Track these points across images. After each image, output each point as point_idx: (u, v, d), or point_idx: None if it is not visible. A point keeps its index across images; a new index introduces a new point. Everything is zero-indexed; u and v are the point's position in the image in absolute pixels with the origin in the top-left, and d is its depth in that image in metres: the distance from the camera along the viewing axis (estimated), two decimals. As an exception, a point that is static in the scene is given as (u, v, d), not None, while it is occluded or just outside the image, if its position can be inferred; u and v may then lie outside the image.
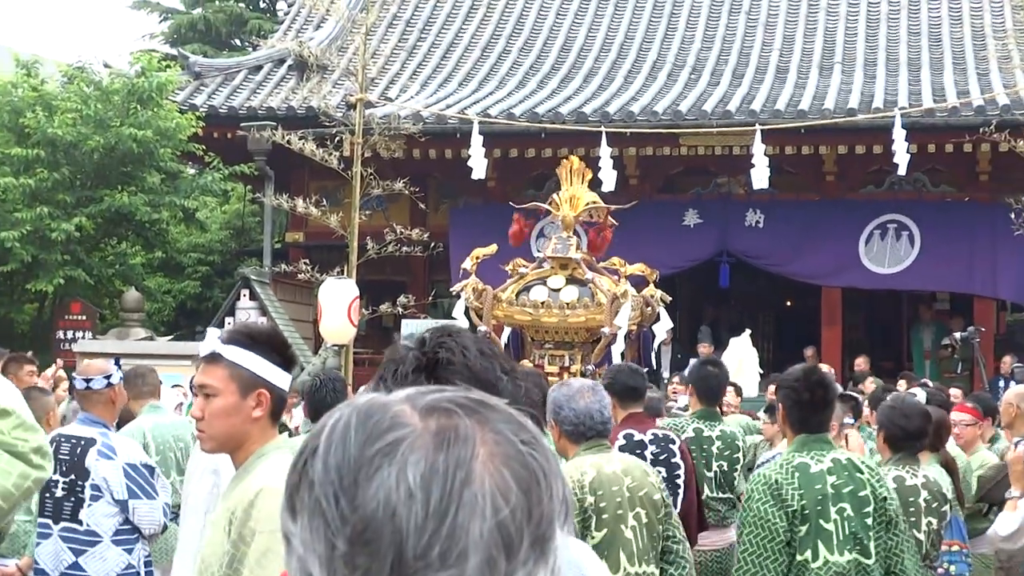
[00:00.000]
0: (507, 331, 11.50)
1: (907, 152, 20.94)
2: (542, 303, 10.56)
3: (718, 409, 9.98)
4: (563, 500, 1.41)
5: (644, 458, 7.76)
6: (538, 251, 13.66)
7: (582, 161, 12.22)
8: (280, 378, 4.69)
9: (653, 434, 8.30)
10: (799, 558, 6.28)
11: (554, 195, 11.31)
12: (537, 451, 1.41)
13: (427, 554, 1.32)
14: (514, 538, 1.34)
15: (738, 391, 14.87)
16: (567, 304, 10.50)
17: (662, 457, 8.18)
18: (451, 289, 11.47)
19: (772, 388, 13.71)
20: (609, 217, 11.44)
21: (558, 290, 10.59)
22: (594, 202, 11.21)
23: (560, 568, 1.40)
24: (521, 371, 2.75)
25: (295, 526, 1.40)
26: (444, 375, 2.48)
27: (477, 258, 11.33)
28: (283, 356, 4.72)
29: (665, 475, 7.88)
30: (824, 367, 19.16)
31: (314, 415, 8.21)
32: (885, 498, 6.45)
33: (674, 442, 8.34)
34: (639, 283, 11.25)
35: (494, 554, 1.33)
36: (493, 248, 11.65)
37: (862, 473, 6.43)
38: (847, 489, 6.35)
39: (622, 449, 7.66)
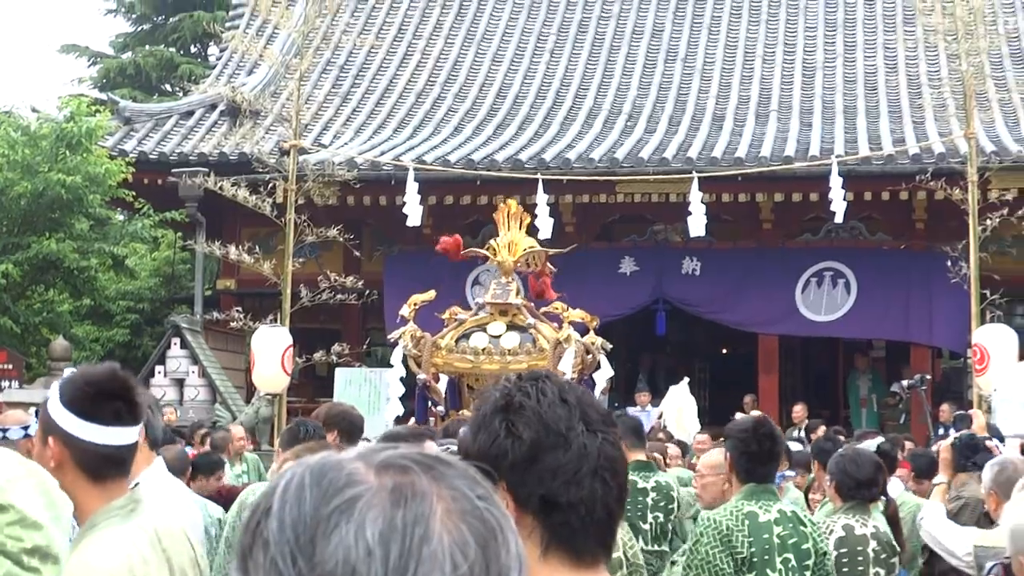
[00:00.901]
0: (444, 379, 11.42)
1: (844, 200, 21.08)
2: (482, 350, 10.45)
3: (652, 460, 9.98)
4: (517, 555, 1.42)
5: None
6: (474, 299, 13.61)
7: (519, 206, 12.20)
8: (82, 429, 4.15)
9: None
10: None
11: (492, 241, 11.21)
12: (493, 506, 1.42)
13: None
14: None
15: (683, 448, 14.81)
16: (508, 351, 10.38)
17: None
18: (389, 336, 11.28)
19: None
20: (548, 263, 11.35)
21: (498, 336, 10.49)
22: (532, 247, 11.12)
23: None
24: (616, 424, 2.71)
25: None
26: (514, 419, 2.50)
27: (415, 305, 11.21)
28: (101, 406, 4.16)
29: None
30: (759, 413, 19.34)
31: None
32: (825, 552, 6.58)
33: None
34: (580, 330, 11.10)
35: None
36: (431, 294, 11.56)
37: (805, 526, 6.53)
38: (791, 540, 6.42)
39: None
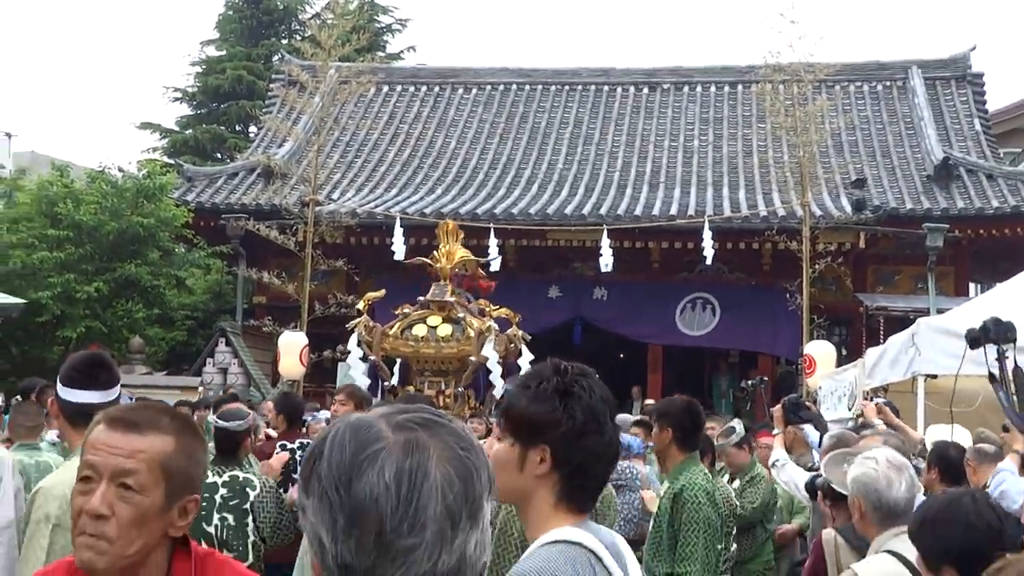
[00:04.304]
0: (398, 362, 11.13)
1: (712, 248, 21.22)
2: (422, 337, 10.10)
3: None
4: (488, 482, 1.57)
5: None
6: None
7: (470, 248, 11.99)
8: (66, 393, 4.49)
9: None
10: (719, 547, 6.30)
11: (434, 251, 10.83)
12: (471, 454, 1.56)
13: (399, 527, 1.48)
14: (457, 514, 1.51)
15: None
16: (442, 338, 10.06)
17: None
18: (347, 326, 10.95)
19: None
20: (479, 269, 11.06)
21: (435, 327, 10.13)
22: (465, 256, 10.74)
23: (488, 527, 1.57)
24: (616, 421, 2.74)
25: (308, 502, 1.54)
26: (571, 403, 2.52)
27: (368, 300, 10.86)
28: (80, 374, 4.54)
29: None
30: (649, 402, 19.44)
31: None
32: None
33: None
34: (505, 325, 10.86)
35: (444, 526, 1.49)
36: (382, 292, 11.30)
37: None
38: (717, 496, 6.38)
39: None
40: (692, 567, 6.00)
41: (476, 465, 1.56)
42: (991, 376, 6.08)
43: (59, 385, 4.65)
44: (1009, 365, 6.08)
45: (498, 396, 11.45)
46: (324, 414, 12.68)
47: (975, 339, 6.46)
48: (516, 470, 2.54)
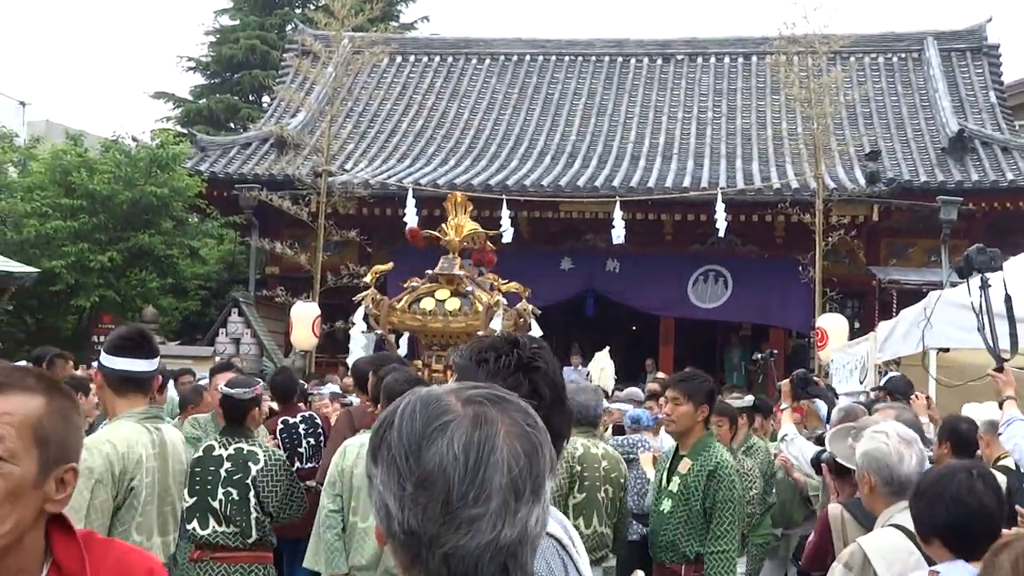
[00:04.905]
0: (405, 335, 11.00)
1: (725, 220, 21.21)
2: (429, 311, 9.90)
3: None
4: (550, 461, 1.62)
5: None
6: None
7: (482, 221, 11.74)
8: (109, 361, 4.76)
9: None
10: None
11: (442, 224, 10.60)
12: (537, 431, 1.62)
13: (466, 496, 1.52)
14: (521, 488, 1.55)
15: (606, 394, 14.20)
16: (450, 312, 9.86)
17: None
18: (353, 299, 10.68)
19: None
20: (488, 242, 10.75)
21: (443, 301, 9.92)
22: (474, 230, 10.47)
23: (549, 503, 1.63)
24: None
25: (376, 470, 1.59)
26: (535, 377, 2.38)
27: (376, 273, 10.63)
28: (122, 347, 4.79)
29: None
30: (661, 375, 19.42)
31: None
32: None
33: None
34: (515, 299, 10.65)
35: (508, 498, 1.53)
36: (389, 265, 11.13)
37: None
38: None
39: None
40: (731, 544, 6.05)
41: (541, 442, 1.61)
42: (972, 307, 6.05)
43: (105, 355, 4.81)
44: (994, 295, 6.04)
45: None
46: (329, 388, 12.59)
47: (960, 270, 6.45)
48: None
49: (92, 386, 7.62)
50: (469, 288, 9.96)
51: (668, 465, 6.48)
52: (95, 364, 5.54)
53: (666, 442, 9.51)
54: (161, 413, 5.34)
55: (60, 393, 2.25)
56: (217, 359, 20.72)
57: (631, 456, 8.62)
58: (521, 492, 1.55)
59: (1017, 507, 5.68)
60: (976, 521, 3.63)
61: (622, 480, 7.16)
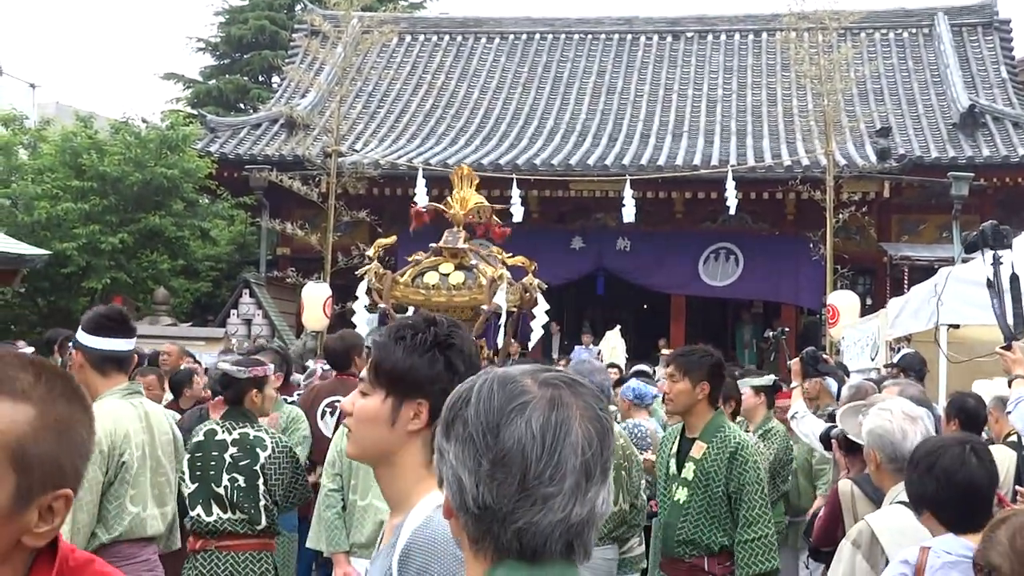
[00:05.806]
0: (410, 310, 10.91)
1: (735, 198, 21.19)
2: (433, 285, 9.68)
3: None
4: (613, 446, 1.69)
5: None
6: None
7: (492, 199, 11.64)
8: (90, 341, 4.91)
9: None
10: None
11: (447, 197, 10.39)
12: (606, 415, 1.68)
13: (542, 475, 1.58)
14: (592, 469, 1.61)
15: (620, 370, 13.33)
16: (453, 286, 9.65)
17: None
18: (356, 272, 10.50)
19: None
20: (494, 216, 10.51)
21: (447, 275, 9.71)
22: (479, 203, 10.27)
23: (611, 483, 1.71)
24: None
25: (448, 445, 1.64)
26: (450, 354, 2.44)
27: (379, 247, 10.44)
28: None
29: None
30: (666, 351, 19.37)
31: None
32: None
33: None
34: (521, 273, 10.44)
35: (580, 479, 1.59)
36: (392, 239, 11.05)
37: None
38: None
39: None
40: (767, 528, 5.67)
41: (609, 426, 1.66)
42: (988, 282, 6.01)
43: (85, 335, 4.81)
44: (1005, 272, 6.01)
45: (532, 345, 11.28)
46: (312, 364, 12.38)
47: (972, 244, 6.41)
48: (386, 426, 2.43)
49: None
50: (473, 261, 9.80)
51: (674, 450, 6.00)
52: (71, 344, 5.59)
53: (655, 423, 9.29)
54: (139, 388, 5.39)
55: (63, 398, 1.78)
56: (234, 342, 20.77)
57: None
58: (592, 473, 1.61)
59: (1017, 487, 5.68)
60: (966, 495, 3.62)
61: (634, 456, 7.16)
